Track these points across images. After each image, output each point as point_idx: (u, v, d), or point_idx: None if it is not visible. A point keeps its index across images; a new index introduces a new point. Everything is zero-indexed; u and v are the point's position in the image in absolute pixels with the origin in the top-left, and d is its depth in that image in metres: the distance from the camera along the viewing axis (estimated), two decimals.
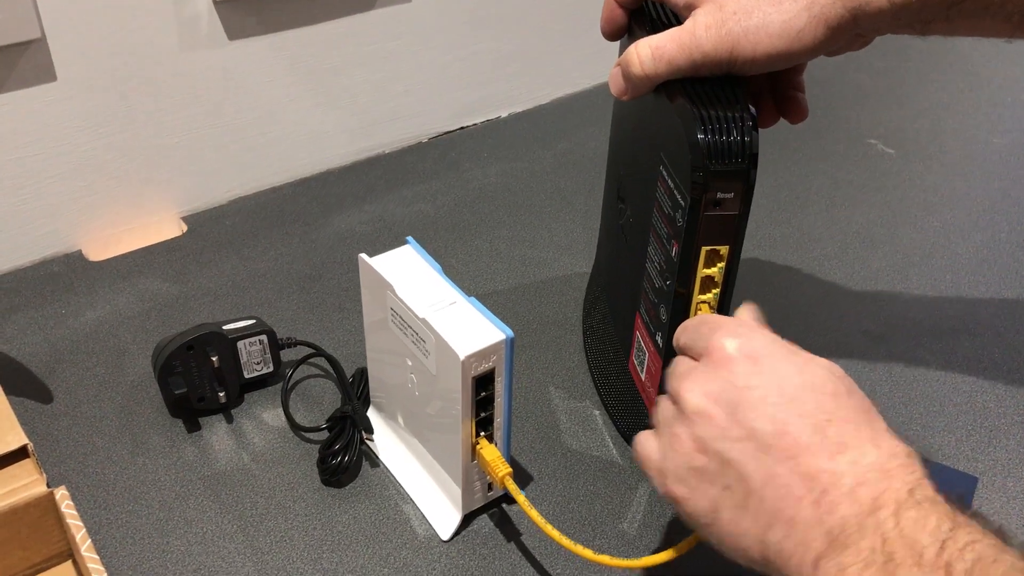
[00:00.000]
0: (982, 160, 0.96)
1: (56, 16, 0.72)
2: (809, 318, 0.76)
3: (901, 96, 1.07)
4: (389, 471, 0.63)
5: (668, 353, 0.56)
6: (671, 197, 0.53)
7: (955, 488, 0.61)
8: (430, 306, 0.55)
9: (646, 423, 0.61)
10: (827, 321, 0.76)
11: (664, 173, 0.54)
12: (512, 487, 0.55)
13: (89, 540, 0.51)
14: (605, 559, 0.51)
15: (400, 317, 0.57)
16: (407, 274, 0.58)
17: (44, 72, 0.73)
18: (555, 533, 0.52)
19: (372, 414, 0.66)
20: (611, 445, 0.65)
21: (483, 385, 0.54)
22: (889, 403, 0.68)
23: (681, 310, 0.54)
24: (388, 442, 0.65)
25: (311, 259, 0.81)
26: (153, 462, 0.63)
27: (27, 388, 0.68)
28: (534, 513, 0.53)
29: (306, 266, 0.80)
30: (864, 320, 0.76)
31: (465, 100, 0.98)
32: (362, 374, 0.67)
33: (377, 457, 0.63)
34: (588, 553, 0.51)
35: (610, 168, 0.70)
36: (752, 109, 0.51)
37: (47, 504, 0.53)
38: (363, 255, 0.59)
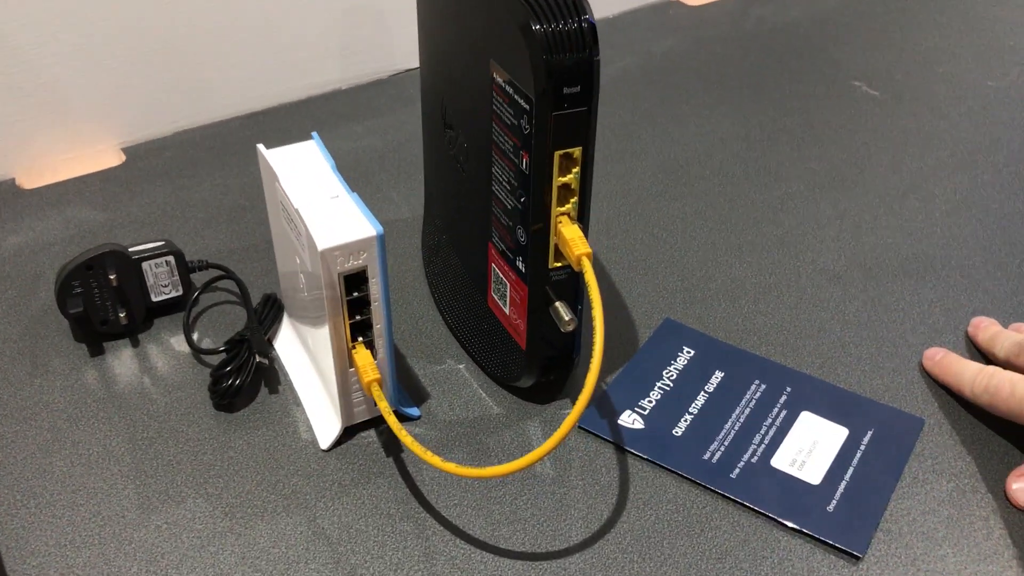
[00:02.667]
0: (972, 104, 0.90)
1: None
2: (762, 255, 0.71)
3: (893, 39, 1.01)
4: (291, 382, 0.60)
5: (534, 276, 0.53)
6: (512, 105, 0.49)
7: (901, 430, 0.57)
8: (309, 198, 0.52)
9: (517, 361, 0.58)
10: (781, 259, 0.71)
11: (499, 80, 0.49)
12: (377, 393, 0.52)
13: None
14: (451, 467, 0.48)
15: (286, 211, 0.54)
16: (299, 168, 0.55)
17: None
18: (408, 439, 0.49)
19: (284, 323, 0.63)
20: (484, 396, 0.60)
21: (355, 285, 0.51)
22: (838, 342, 0.64)
23: (541, 226, 0.51)
24: (293, 351, 0.62)
25: (246, 191, 0.78)
26: (50, 384, 0.61)
27: None
28: (392, 419, 0.50)
29: (240, 198, 0.77)
30: (822, 258, 0.71)
31: None
32: (268, 299, 0.64)
33: (279, 377, 0.61)
34: (436, 460, 0.49)
35: (426, 97, 0.64)
36: None
37: None
38: (260, 146, 0.56)
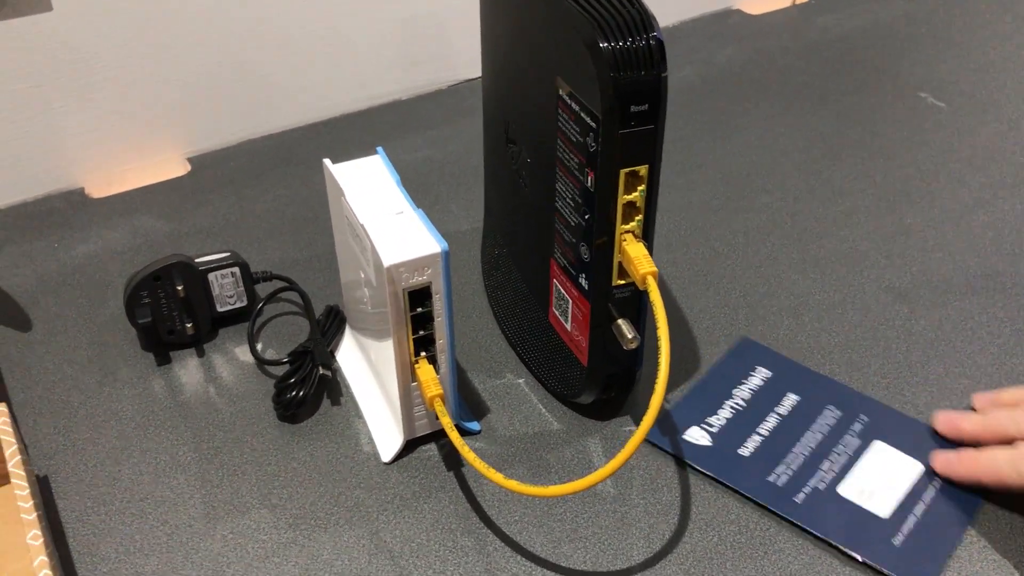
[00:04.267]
0: None
1: None
2: (826, 271, 0.70)
3: (959, 48, 0.99)
4: (352, 394, 0.61)
5: (596, 294, 0.53)
6: (578, 122, 0.49)
7: (906, 435, 0.58)
8: (375, 214, 0.52)
9: (578, 377, 0.57)
10: (845, 275, 0.70)
11: (565, 98, 0.49)
12: (440, 409, 0.52)
13: (19, 458, 0.50)
14: (513, 484, 0.48)
15: (351, 225, 0.54)
16: (365, 182, 0.55)
17: (40, 0, 0.73)
18: (471, 455, 0.50)
19: (347, 335, 0.64)
20: (544, 412, 0.60)
21: (419, 300, 0.51)
22: (904, 362, 0.63)
23: (605, 244, 0.50)
24: (355, 363, 0.63)
25: (309, 202, 0.79)
26: (119, 392, 0.62)
27: (7, 317, 0.67)
28: (454, 435, 0.50)
29: (303, 208, 0.78)
30: (887, 275, 0.70)
31: None
32: (331, 311, 0.64)
33: (341, 389, 0.61)
34: (498, 477, 0.49)
35: (488, 111, 0.63)
36: (648, 8, 0.47)
37: None
38: (327, 161, 0.57)
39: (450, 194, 0.80)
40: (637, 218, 0.51)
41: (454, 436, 0.51)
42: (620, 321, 0.54)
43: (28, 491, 0.48)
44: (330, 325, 0.64)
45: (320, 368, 0.60)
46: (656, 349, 0.48)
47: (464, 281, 0.71)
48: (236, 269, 0.64)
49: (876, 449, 0.57)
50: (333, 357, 0.63)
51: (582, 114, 0.49)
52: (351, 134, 0.88)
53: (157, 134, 0.82)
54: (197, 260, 0.63)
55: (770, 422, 0.59)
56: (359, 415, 0.60)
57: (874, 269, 0.71)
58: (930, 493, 0.54)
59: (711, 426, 0.58)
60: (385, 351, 0.56)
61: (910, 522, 0.53)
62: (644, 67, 0.47)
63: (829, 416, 0.59)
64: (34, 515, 0.46)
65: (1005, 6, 1.07)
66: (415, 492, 0.55)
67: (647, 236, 0.51)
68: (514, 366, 0.64)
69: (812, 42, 1.01)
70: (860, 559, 0.51)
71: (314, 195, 0.80)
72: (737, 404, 0.60)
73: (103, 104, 0.78)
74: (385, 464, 0.57)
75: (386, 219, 0.52)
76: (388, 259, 0.50)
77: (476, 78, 0.96)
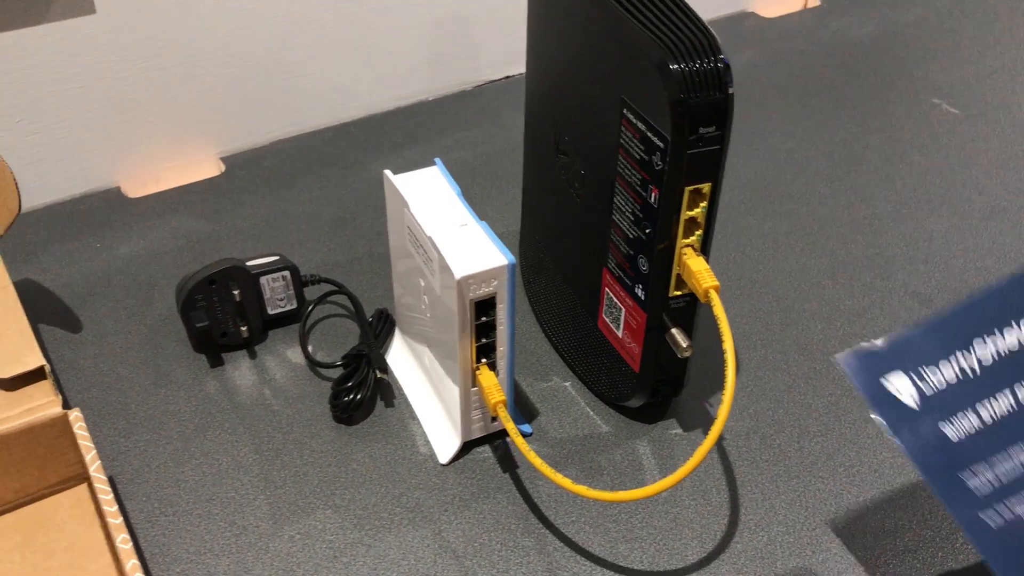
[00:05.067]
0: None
1: None
2: (854, 277, 0.73)
3: (972, 54, 1.02)
4: (405, 396, 0.63)
5: (654, 304, 0.55)
6: (644, 141, 0.51)
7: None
8: (440, 225, 0.54)
9: (628, 382, 0.59)
10: (873, 281, 0.73)
11: (631, 116, 0.51)
12: (503, 414, 0.54)
13: (99, 462, 0.51)
14: (583, 489, 0.50)
15: (414, 235, 0.56)
16: (426, 194, 0.57)
17: (84, 3, 0.73)
18: (537, 460, 0.52)
19: (397, 338, 0.66)
20: (592, 414, 0.62)
21: (484, 310, 0.53)
22: None
23: (666, 257, 0.53)
24: (407, 366, 0.64)
25: (345, 203, 0.80)
26: (175, 394, 0.63)
27: (57, 317, 0.68)
28: (520, 440, 0.52)
29: (340, 209, 0.79)
30: (913, 281, 0.73)
31: (511, 48, 0.96)
32: (381, 314, 0.66)
33: (393, 391, 0.63)
34: (567, 483, 0.51)
35: (535, 121, 0.65)
36: (713, 32, 0.49)
37: (62, 425, 0.53)
38: (388, 171, 0.58)
39: (484, 196, 0.81)
40: (697, 233, 0.53)
41: (520, 442, 0.53)
42: (674, 330, 0.56)
43: (111, 495, 0.49)
44: (381, 328, 0.65)
45: (376, 371, 0.61)
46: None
47: None
48: (287, 273, 0.65)
49: None
50: (385, 359, 0.65)
51: (648, 134, 0.50)
52: (380, 135, 0.89)
53: (191, 134, 0.83)
54: (249, 264, 0.65)
55: (1002, 402, 0.44)
56: (413, 417, 0.62)
57: (900, 275, 0.73)
58: None
59: (925, 381, 0.45)
60: (444, 356, 0.57)
61: None
62: (712, 89, 0.48)
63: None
64: (120, 519, 0.48)
65: (1017, 11, 1.10)
66: (474, 493, 0.57)
67: (705, 250, 0.53)
68: (559, 369, 0.65)
69: (827, 46, 1.03)
70: None
71: (349, 196, 0.81)
72: (971, 364, 0.45)
73: (139, 104, 0.79)
74: (443, 465, 0.59)
75: (451, 231, 0.54)
76: (459, 271, 0.51)
77: (500, 79, 0.97)
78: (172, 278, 0.72)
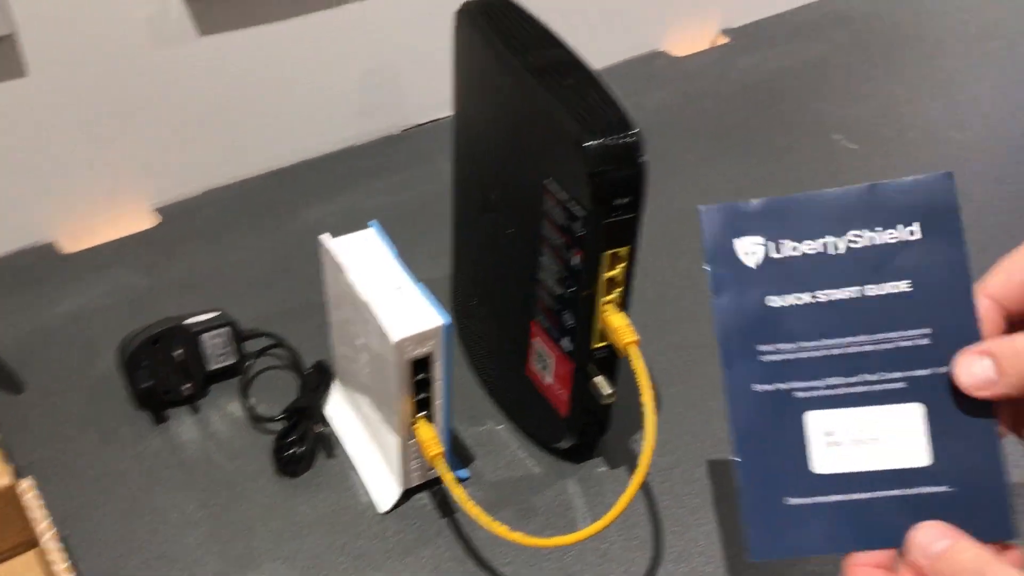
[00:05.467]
0: (943, 156, 0.98)
1: (28, 12, 0.73)
2: None
3: (870, 90, 1.09)
4: (343, 448, 0.65)
5: (579, 355, 0.59)
6: (564, 210, 0.55)
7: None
8: (376, 288, 0.57)
9: (557, 425, 0.63)
10: None
11: (552, 187, 0.55)
12: (441, 466, 0.57)
13: (53, 530, 0.53)
14: (519, 537, 0.54)
15: (351, 298, 0.59)
16: (362, 257, 0.60)
17: (16, 67, 0.74)
18: (475, 510, 0.55)
19: (336, 388, 0.68)
20: (525, 456, 0.66)
21: (420, 368, 0.56)
22: None
23: (589, 313, 0.57)
24: (346, 417, 0.67)
25: (281, 252, 0.83)
26: (121, 452, 0.65)
27: (1, 380, 0.70)
28: (458, 491, 0.56)
29: (276, 258, 0.82)
30: None
31: (438, 92, 1.00)
32: (319, 367, 0.69)
33: (333, 442, 0.66)
34: (503, 531, 0.54)
35: (463, 178, 0.69)
36: (624, 107, 0.54)
37: (11, 496, 0.55)
38: (324, 236, 0.61)
39: (415, 241, 0.84)
40: (618, 290, 0.57)
41: (458, 492, 0.56)
42: (598, 379, 0.60)
43: (67, 562, 0.51)
44: (320, 380, 0.68)
45: (316, 425, 0.64)
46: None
47: None
48: (227, 329, 0.68)
49: (906, 411, 0.44)
50: (324, 411, 0.68)
51: (568, 204, 0.54)
52: (314, 180, 0.91)
53: (125, 186, 0.85)
54: (189, 321, 0.67)
55: (842, 293, 0.44)
56: (353, 467, 0.65)
57: None
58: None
59: (779, 251, 0.45)
60: (382, 409, 0.61)
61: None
62: (626, 163, 0.53)
63: (914, 335, 0.44)
64: None
65: (911, 46, 1.18)
66: (415, 539, 0.60)
67: (626, 305, 0.58)
68: (493, 412, 0.69)
69: (736, 84, 1.09)
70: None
71: (285, 244, 0.84)
72: (836, 249, 0.44)
73: (72, 159, 0.81)
74: (384, 513, 0.62)
75: (387, 294, 0.57)
76: (395, 334, 0.54)
77: (427, 123, 1.01)
78: (111, 335, 0.73)
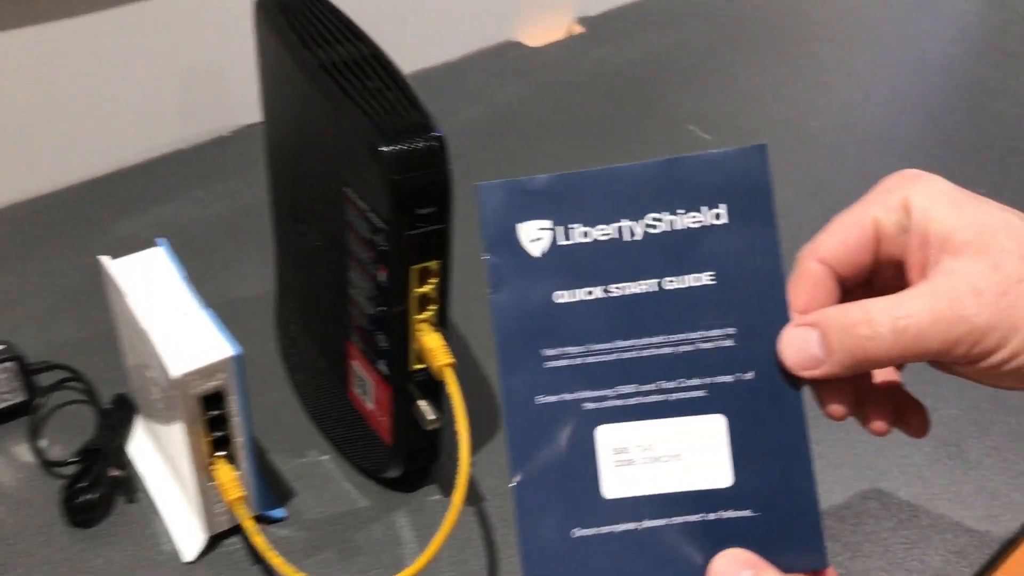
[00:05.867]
0: (798, 145, 0.96)
1: None
2: None
3: (724, 80, 1.06)
4: (147, 491, 0.59)
5: (397, 380, 0.53)
6: (366, 220, 0.49)
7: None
8: (159, 316, 0.51)
9: (382, 454, 0.58)
10: None
11: (352, 195, 0.50)
12: (241, 512, 0.51)
13: None
14: None
15: (134, 326, 0.52)
16: (146, 280, 0.53)
17: None
18: (277, 560, 0.50)
19: (139, 424, 0.62)
20: (350, 489, 0.60)
21: (213, 404, 0.50)
22: None
23: (401, 334, 0.51)
24: (149, 456, 0.61)
25: (87, 271, 0.75)
26: None
27: None
28: (260, 540, 0.50)
29: (81, 279, 0.74)
30: None
31: None
32: (120, 400, 0.62)
33: (135, 484, 0.59)
34: None
35: (274, 184, 0.63)
36: (426, 108, 0.48)
37: None
38: (104, 258, 0.54)
39: (241, 254, 0.78)
40: (432, 308, 0.52)
41: (259, 542, 0.50)
42: (420, 403, 0.55)
43: None
44: (120, 417, 0.61)
45: (112, 468, 0.57)
46: (459, 447, 0.50)
47: (260, 351, 0.69)
48: (12, 363, 0.60)
49: (707, 424, 0.38)
50: (124, 451, 0.61)
51: (369, 214, 0.49)
52: (129, 189, 0.84)
53: None
54: None
55: (638, 287, 0.39)
56: (156, 512, 0.58)
57: None
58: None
59: (568, 237, 0.39)
60: (179, 448, 0.54)
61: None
62: (428, 169, 0.48)
63: (717, 336, 0.39)
64: None
65: (768, 37, 1.16)
66: None
67: (443, 323, 0.53)
68: (317, 442, 0.63)
69: (591, 75, 1.05)
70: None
71: (91, 263, 0.75)
72: (632, 230, 0.39)
73: None
74: (189, 563, 0.56)
75: (171, 321, 0.51)
76: (176, 369, 0.48)
77: (259, 123, 0.93)
78: None
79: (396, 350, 0.52)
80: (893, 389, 0.42)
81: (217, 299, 0.73)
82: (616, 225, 0.39)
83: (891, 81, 1.08)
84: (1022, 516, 0.60)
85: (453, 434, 0.63)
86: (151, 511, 0.58)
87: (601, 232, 0.39)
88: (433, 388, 0.55)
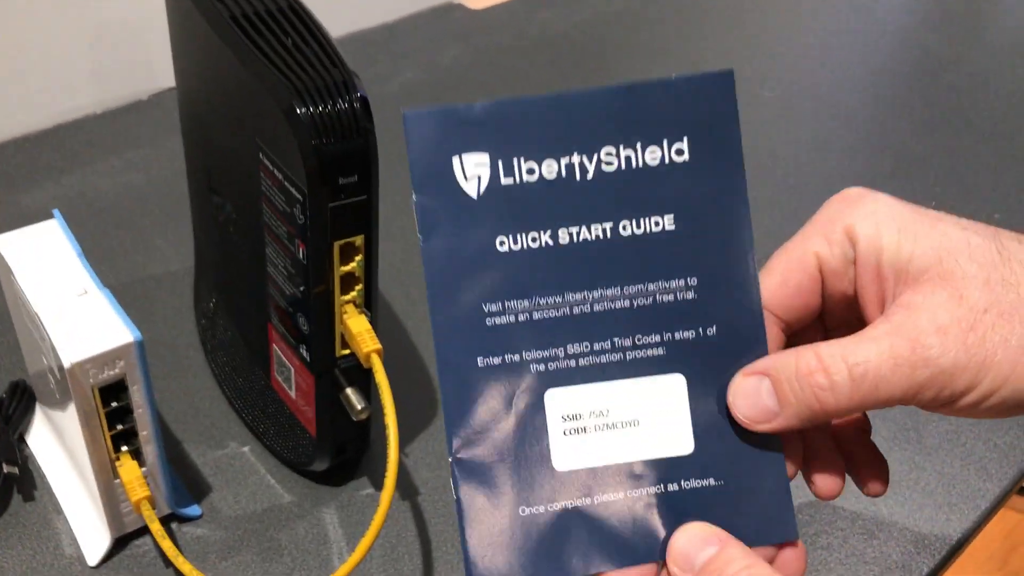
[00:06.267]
0: (749, 114, 0.92)
1: None
2: None
3: (671, 46, 1.02)
4: (48, 487, 0.54)
5: (320, 366, 0.49)
6: (283, 191, 0.45)
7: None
8: (51, 297, 0.46)
9: (307, 445, 0.53)
10: None
11: (267, 163, 0.45)
12: (148, 513, 0.47)
13: None
14: None
15: (25, 309, 0.47)
16: (37, 257, 0.48)
17: None
18: (187, 567, 0.45)
19: (39, 414, 0.56)
20: (274, 483, 0.55)
21: (113, 394, 0.45)
22: None
23: (324, 317, 0.47)
24: (49, 448, 0.55)
25: None
26: None
27: None
28: (167, 544, 0.46)
29: None
30: None
31: None
32: (16, 388, 0.56)
33: (35, 480, 0.54)
34: None
35: (189, 150, 0.57)
36: (348, 67, 0.43)
37: None
38: None
39: (157, 227, 0.72)
40: (357, 288, 0.47)
41: (167, 546, 0.46)
42: (349, 391, 0.50)
43: None
44: (16, 406, 0.55)
45: (5, 465, 0.52)
46: (397, 399, 0.45)
47: (177, 332, 0.64)
48: None
49: (666, 385, 0.35)
50: (23, 442, 0.55)
51: (286, 184, 0.44)
52: (35, 159, 0.77)
53: None
54: None
55: (590, 232, 0.34)
56: (58, 510, 0.53)
57: None
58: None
59: (511, 174, 0.34)
60: (79, 443, 0.49)
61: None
62: (350, 134, 0.43)
63: (678, 287, 0.35)
64: None
65: (716, 5, 1.12)
66: None
67: (370, 305, 0.48)
68: (238, 432, 0.58)
69: (535, 40, 1.01)
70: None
71: None
72: (584, 167, 0.34)
73: None
74: (92, 568, 0.50)
75: (66, 303, 0.46)
76: (69, 357, 0.43)
77: None
78: None
79: (318, 334, 0.48)
80: (851, 437, 0.38)
81: (130, 276, 0.68)
82: (566, 161, 0.34)
83: (843, 50, 1.05)
84: (982, 502, 0.57)
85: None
86: (52, 510, 0.53)
87: (549, 169, 0.34)
88: (362, 375, 0.50)
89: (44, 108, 0.80)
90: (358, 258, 0.46)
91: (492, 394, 0.34)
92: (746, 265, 0.35)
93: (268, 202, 0.46)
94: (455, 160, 0.33)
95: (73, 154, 0.78)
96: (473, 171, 0.34)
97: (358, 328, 0.46)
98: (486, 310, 0.34)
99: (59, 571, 0.50)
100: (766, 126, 0.91)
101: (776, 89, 0.97)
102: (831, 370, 0.32)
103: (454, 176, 0.34)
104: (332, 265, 0.45)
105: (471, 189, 0.34)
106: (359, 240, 0.45)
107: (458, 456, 0.34)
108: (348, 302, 0.47)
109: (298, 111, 0.42)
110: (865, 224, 0.34)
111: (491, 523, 0.34)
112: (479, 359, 0.34)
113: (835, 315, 0.36)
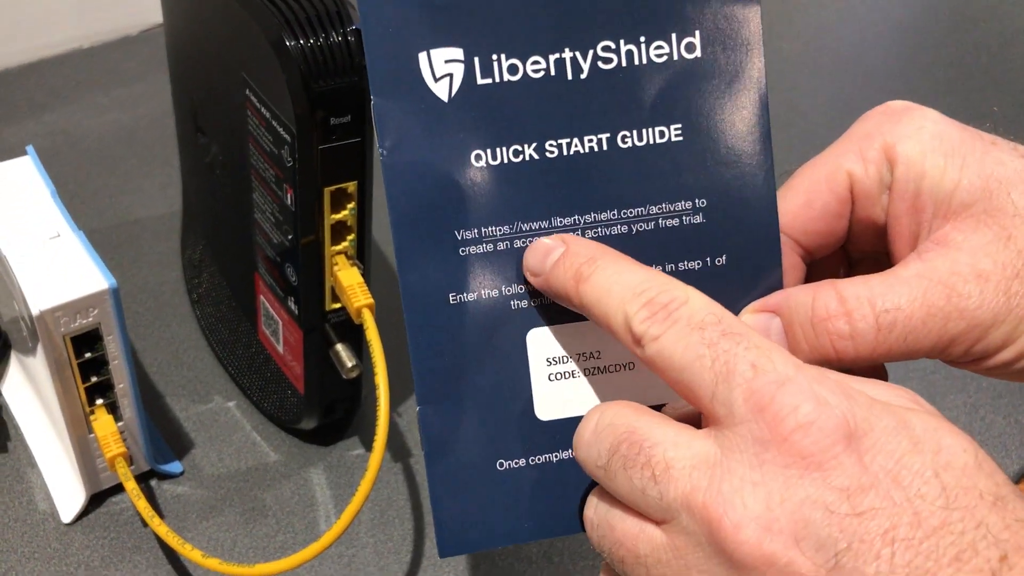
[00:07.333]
0: (768, 68, 0.89)
1: None
2: None
3: None
4: (23, 439, 0.51)
5: (309, 321, 0.46)
6: (271, 131, 0.41)
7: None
8: (22, 239, 0.43)
9: (296, 402, 0.51)
10: None
11: (254, 100, 0.42)
12: (123, 471, 0.44)
13: None
14: (214, 563, 0.42)
15: None
16: (9, 195, 0.45)
17: None
18: (163, 529, 0.43)
19: (14, 363, 0.53)
20: (259, 440, 0.53)
21: (88, 344, 0.43)
22: None
23: (313, 268, 0.44)
24: (25, 399, 0.52)
25: None
26: None
27: None
28: (143, 504, 0.43)
29: None
30: None
31: None
32: None
33: (8, 431, 0.51)
34: (197, 555, 0.42)
35: (176, 85, 0.53)
36: None
37: None
38: None
39: (142, 169, 0.69)
40: (349, 238, 0.44)
41: (142, 506, 0.43)
42: (339, 347, 0.47)
43: None
44: None
45: None
46: (388, 355, 0.42)
47: (162, 279, 0.61)
48: None
49: None
50: None
51: (274, 123, 0.41)
52: (15, 94, 0.74)
53: None
54: None
55: (583, 144, 0.30)
56: (32, 463, 0.50)
57: None
58: None
59: (489, 71, 0.29)
60: (52, 396, 0.46)
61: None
62: (343, 70, 0.39)
63: (684, 210, 0.30)
64: None
65: None
66: (104, 557, 0.47)
67: (362, 257, 0.45)
68: (223, 386, 0.56)
69: None
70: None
71: None
72: (577, 64, 0.29)
73: None
74: (67, 525, 0.48)
75: (37, 246, 0.43)
76: (38, 304, 0.40)
77: None
78: None
79: (307, 287, 0.45)
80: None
81: (114, 220, 0.65)
82: (555, 57, 0.29)
83: (867, 4, 1.00)
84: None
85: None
86: (27, 462, 0.50)
87: (534, 67, 0.29)
88: (353, 331, 0.48)
89: (26, 41, 0.76)
90: (350, 206, 0.43)
91: (465, 335, 0.30)
92: (763, 185, 0.30)
93: (255, 143, 0.43)
94: (422, 56, 0.28)
95: (56, 90, 0.75)
96: (443, 69, 0.28)
97: (349, 281, 0.43)
98: (459, 237, 0.29)
99: (31, 527, 0.48)
100: (784, 82, 0.87)
101: (795, 42, 0.93)
102: (855, 316, 0.27)
103: (421, 75, 0.28)
104: (322, 213, 0.42)
105: (441, 91, 0.28)
106: (352, 187, 0.42)
107: (427, 404, 0.30)
108: (339, 253, 0.44)
109: (287, 43, 0.38)
110: (908, 144, 0.29)
111: (464, 480, 0.30)
112: (450, 295, 0.29)
113: (859, 246, 0.32)
